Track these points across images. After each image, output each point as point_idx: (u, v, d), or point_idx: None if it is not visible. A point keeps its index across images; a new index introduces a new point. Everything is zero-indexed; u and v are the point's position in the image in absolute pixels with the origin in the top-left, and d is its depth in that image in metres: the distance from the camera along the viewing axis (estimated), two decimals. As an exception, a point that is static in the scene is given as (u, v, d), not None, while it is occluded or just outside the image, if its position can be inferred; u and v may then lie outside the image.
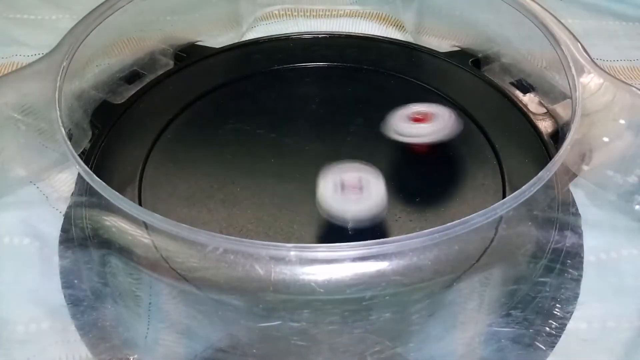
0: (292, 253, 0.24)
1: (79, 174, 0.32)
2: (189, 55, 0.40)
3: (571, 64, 0.32)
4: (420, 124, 0.32)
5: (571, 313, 0.28)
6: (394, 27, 0.46)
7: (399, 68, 0.39)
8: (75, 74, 0.34)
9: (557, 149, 0.33)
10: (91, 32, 0.34)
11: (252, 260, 0.25)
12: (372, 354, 0.26)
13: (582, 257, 0.31)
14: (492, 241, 0.28)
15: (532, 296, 0.28)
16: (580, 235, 0.31)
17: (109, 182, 0.27)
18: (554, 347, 0.27)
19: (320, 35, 0.42)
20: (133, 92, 0.37)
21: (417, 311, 0.26)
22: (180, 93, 0.37)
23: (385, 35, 0.43)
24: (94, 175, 0.26)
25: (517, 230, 0.29)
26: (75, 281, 0.29)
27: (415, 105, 0.33)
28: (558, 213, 0.30)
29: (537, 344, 0.27)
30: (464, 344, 0.27)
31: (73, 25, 0.34)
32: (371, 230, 0.29)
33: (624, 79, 0.43)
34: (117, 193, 0.26)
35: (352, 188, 0.28)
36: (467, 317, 0.28)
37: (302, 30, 0.43)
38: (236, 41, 0.42)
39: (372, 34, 0.44)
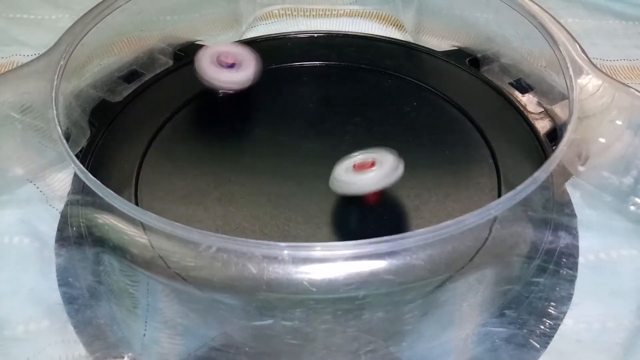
0: (285, 252, 0.24)
1: (75, 172, 0.32)
2: (187, 54, 0.40)
3: (569, 65, 0.32)
4: (364, 173, 0.29)
5: (565, 313, 0.28)
6: (394, 27, 0.46)
7: (397, 67, 0.39)
8: (74, 73, 0.34)
9: (553, 149, 0.33)
10: (89, 31, 0.34)
11: (245, 259, 0.25)
12: (366, 353, 0.26)
13: (577, 258, 0.30)
14: (486, 241, 0.28)
15: (525, 296, 0.28)
16: (574, 235, 0.31)
17: (105, 180, 0.27)
18: (547, 346, 0.27)
19: (317, 35, 0.42)
20: (131, 91, 0.37)
21: (411, 310, 0.26)
22: (178, 91, 0.37)
23: (385, 35, 0.44)
24: (90, 174, 0.26)
25: (511, 230, 0.29)
26: (70, 279, 0.29)
27: (356, 155, 0.31)
28: (553, 213, 0.30)
29: (531, 343, 0.27)
30: (457, 343, 0.27)
31: (71, 24, 0.35)
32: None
33: (623, 79, 0.43)
34: (112, 192, 0.26)
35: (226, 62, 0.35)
36: (461, 316, 0.28)
37: (302, 30, 0.43)
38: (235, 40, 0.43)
39: (371, 33, 0.44)
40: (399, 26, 0.46)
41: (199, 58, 0.35)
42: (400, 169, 0.29)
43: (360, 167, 0.30)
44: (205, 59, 0.35)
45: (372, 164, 0.30)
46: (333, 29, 0.43)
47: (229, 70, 0.35)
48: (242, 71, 0.35)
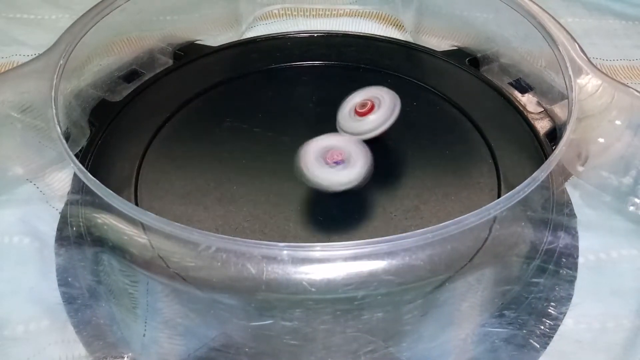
0: (285, 252, 0.24)
1: (74, 172, 0.32)
2: (187, 54, 0.41)
3: (568, 65, 0.32)
4: (366, 117, 0.32)
5: (564, 314, 0.28)
6: (394, 27, 0.46)
7: (396, 67, 0.39)
8: (73, 73, 0.34)
9: (553, 149, 0.33)
10: (89, 30, 0.34)
11: (244, 259, 0.25)
12: (365, 353, 0.26)
13: (576, 258, 0.30)
14: (485, 241, 0.28)
15: (525, 296, 0.28)
16: (574, 236, 0.31)
17: (105, 180, 0.27)
18: (546, 347, 0.27)
19: (317, 34, 0.42)
20: (131, 90, 0.37)
21: (410, 311, 0.26)
22: (178, 91, 0.37)
23: (385, 35, 0.44)
24: (89, 174, 0.26)
25: (510, 230, 0.29)
26: (70, 279, 0.29)
27: (356, 95, 0.33)
28: (552, 213, 0.30)
29: (531, 343, 0.27)
30: (456, 343, 0.27)
31: (71, 24, 0.35)
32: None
33: (623, 79, 0.43)
34: (111, 191, 0.26)
35: (334, 159, 0.30)
36: (460, 317, 0.28)
37: (302, 30, 0.43)
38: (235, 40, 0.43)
39: (371, 33, 0.44)
40: (399, 26, 0.46)
41: (303, 153, 0.30)
42: (398, 107, 0.32)
43: (361, 112, 0.32)
44: (310, 155, 0.30)
45: (372, 107, 0.32)
46: (333, 29, 0.43)
47: (336, 168, 0.30)
48: (350, 169, 0.30)
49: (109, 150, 0.34)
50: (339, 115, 0.33)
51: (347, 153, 0.30)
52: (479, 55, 0.40)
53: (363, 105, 0.32)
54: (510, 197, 0.25)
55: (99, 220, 0.28)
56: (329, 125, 0.36)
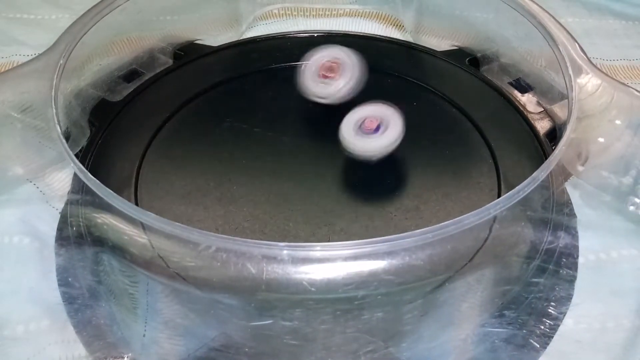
0: (285, 252, 0.24)
1: (74, 172, 0.32)
2: (187, 54, 0.41)
3: (568, 65, 0.32)
4: (330, 80, 0.34)
5: (564, 314, 0.28)
6: (394, 27, 0.46)
7: (396, 67, 0.39)
8: (74, 73, 0.34)
9: (553, 148, 0.33)
10: (88, 30, 0.34)
11: (244, 259, 0.25)
12: (365, 353, 0.26)
13: (576, 258, 0.30)
14: (485, 241, 0.28)
15: (525, 296, 0.28)
16: (574, 235, 0.31)
17: (105, 179, 0.27)
18: (546, 347, 0.27)
19: (317, 34, 0.42)
20: (131, 90, 0.37)
21: (410, 311, 0.26)
22: (178, 91, 0.37)
23: (385, 35, 0.44)
24: (89, 174, 0.26)
25: (510, 230, 0.29)
26: (70, 279, 0.29)
27: (317, 55, 0.35)
28: (552, 213, 0.30)
29: (530, 343, 0.27)
30: (456, 343, 0.27)
31: (71, 24, 0.35)
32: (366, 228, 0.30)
33: (623, 79, 0.43)
34: (112, 191, 0.26)
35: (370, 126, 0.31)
36: (460, 317, 0.28)
37: (302, 30, 0.43)
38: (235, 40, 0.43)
39: (371, 33, 0.44)
40: (399, 26, 0.46)
41: (342, 127, 0.32)
42: (357, 66, 0.34)
43: (326, 76, 0.35)
44: (349, 129, 0.32)
45: (336, 70, 0.34)
46: (333, 29, 0.43)
47: (375, 135, 0.31)
48: (387, 134, 0.31)
49: (109, 150, 0.34)
50: (304, 81, 0.35)
51: (381, 118, 0.31)
52: (479, 55, 0.40)
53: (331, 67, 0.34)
54: (510, 197, 0.25)
55: (99, 220, 0.28)
56: (329, 125, 0.36)
